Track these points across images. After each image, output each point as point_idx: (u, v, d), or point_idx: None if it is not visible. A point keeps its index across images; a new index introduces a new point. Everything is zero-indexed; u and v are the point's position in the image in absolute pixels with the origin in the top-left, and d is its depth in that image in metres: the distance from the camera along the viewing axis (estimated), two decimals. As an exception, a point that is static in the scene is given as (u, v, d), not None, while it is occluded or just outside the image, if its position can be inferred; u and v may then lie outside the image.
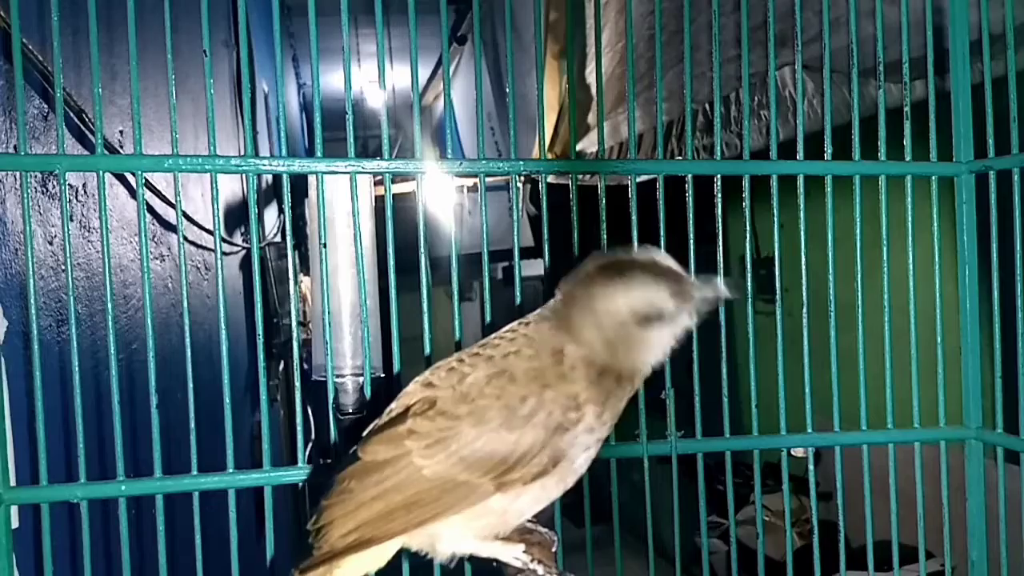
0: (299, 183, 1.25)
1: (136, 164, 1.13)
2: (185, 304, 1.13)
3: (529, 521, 0.90)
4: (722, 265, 1.27)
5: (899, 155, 1.30)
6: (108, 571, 1.22)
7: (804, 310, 1.27)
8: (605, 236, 1.27)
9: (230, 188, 2.96)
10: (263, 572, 1.09)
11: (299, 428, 1.13)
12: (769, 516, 3.70)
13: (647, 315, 0.79)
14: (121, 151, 1.59)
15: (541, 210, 1.24)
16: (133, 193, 1.65)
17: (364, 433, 0.85)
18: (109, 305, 1.09)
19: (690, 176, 1.25)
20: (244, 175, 1.22)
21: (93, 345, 1.41)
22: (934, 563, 2.39)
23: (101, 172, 1.11)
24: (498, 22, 4.21)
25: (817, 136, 1.30)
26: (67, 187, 1.12)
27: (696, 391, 1.19)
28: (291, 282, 1.16)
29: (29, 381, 1.08)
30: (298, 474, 1.16)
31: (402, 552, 0.86)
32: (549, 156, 3.39)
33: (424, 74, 7.14)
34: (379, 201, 1.24)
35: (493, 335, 0.85)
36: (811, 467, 1.33)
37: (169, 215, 2.02)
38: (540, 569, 0.85)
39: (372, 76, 6.59)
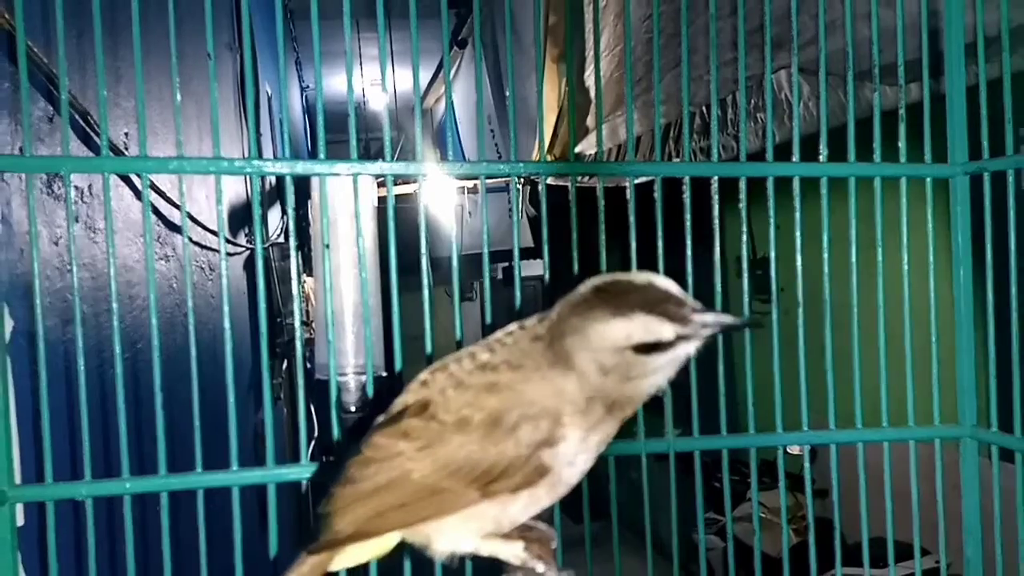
0: (302, 185, 1.26)
1: (141, 166, 1.14)
2: (190, 304, 1.14)
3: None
4: (719, 265, 1.28)
5: (894, 157, 1.31)
6: (112, 568, 1.23)
7: (800, 310, 1.29)
8: (604, 237, 1.28)
9: (234, 190, 2.98)
10: (266, 568, 1.10)
11: (302, 426, 1.14)
12: (766, 513, 3.71)
13: (644, 343, 0.75)
14: (126, 153, 1.60)
15: (540, 211, 1.25)
16: (138, 194, 1.67)
17: (374, 424, 0.86)
18: (114, 305, 1.10)
19: (687, 178, 1.26)
20: (248, 177, 1.23)
21: (98, 344, 1.41)
22: (929, 560, 2.41)
23: (106, 174, 1.12)
24: (498, 26, 4.22)
25: (813, 138, 1.31)
26: (72, 188, 1.13)
27: (693, 390, 1.20)
28: (294, 282, 1.17)
29: (35, 380, 1.08)
30: (301, 472, 1.17)
31: (404, 549, 0.87)
32: (548, 158, 3.41)
33: (425, 77, 7.16)
34: (381, 202, 1.25)
35: (493, 336, 0.85)
36: (807, 465, 1.34)
37: (174, 216, 2.03)
38: (540, 566, 0.85)
39: (374, 79, 6.62)
